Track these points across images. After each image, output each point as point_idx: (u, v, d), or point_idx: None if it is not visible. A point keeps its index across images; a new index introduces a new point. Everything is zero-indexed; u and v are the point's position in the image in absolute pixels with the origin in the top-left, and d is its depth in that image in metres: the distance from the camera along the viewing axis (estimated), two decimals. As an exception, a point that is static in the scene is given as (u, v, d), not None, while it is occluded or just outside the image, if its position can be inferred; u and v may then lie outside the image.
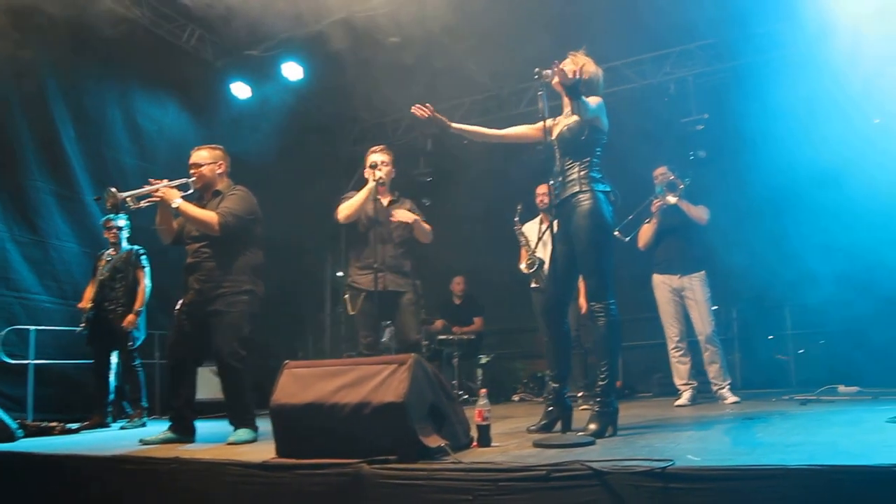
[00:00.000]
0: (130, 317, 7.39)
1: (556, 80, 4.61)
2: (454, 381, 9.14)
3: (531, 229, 7.77)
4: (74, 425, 6.87)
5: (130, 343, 7.48)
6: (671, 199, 7.02)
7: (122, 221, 7.60)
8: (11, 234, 8.20)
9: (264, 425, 5.16)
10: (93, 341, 7.49)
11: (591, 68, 4.67)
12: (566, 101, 4.78)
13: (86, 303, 7.52)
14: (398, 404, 3.42)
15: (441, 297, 10.66)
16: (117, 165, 9.34)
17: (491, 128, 5.18)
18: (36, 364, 7.88)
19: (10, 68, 8.12)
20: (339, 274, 13.23)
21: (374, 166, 5.86)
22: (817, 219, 8.68)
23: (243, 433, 5.01)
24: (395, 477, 3.23)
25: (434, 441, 3.51)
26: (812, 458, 2.78)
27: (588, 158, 4.60)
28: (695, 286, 6.96)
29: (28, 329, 7.95)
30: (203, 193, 5.40)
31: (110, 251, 7.67)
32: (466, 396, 9.04)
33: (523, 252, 7.75)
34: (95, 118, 9.22)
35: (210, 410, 6.94)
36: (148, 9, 9.40)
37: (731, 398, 6.66)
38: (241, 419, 5.15)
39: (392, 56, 8.93)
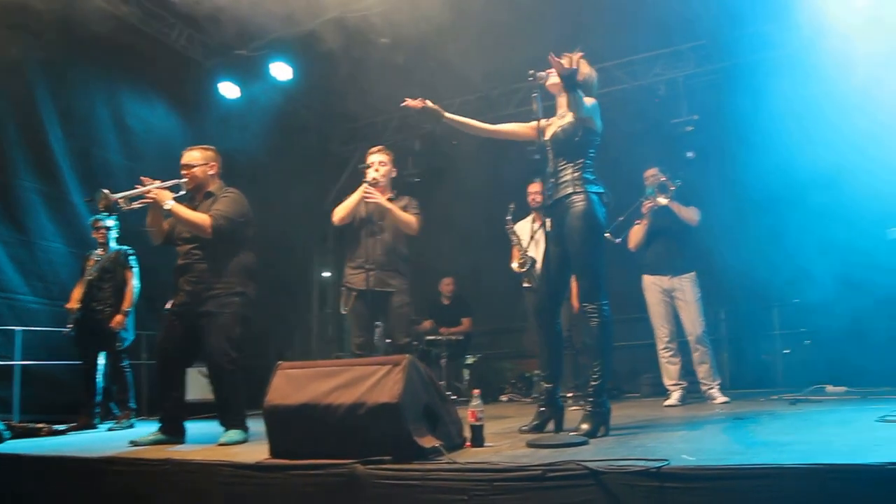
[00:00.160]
0: (118, 317, 7.36)
1: (549, 81, 4.66)
2: (442, 382, 9.13)
3: (523, 228, 7.77)
4: (62, 426, 6.82)
5: (119, 344, 7.44)
6: (662, 201, 7.05)
7: (110, 222, 7.56)
8: (-2, 233, 8.15)
9: (254, 426, 5.18)
10: (80, 342, 7.43)
11: (585, 69, 4.68)
12: (560, 102, 4.81)
13: (73, 303, 7.47)
14: (393, 405, 3.42)
15: (430, 298, 10.67)
16: (105, 165, 9.29)
17: None
18: (22, 365, 7.82)
19: (-3, 66, 8.08)
20: (326, 274, 13.22)
21: (368, 167, 5.85)
22: (806, 220, 8.73)
23: (234, 434, 5.00)
24: (390, 477, 3.23)
25: (428, 441, 3.51)
26: (805, 457, 2.78)
27: (581, 160, 4.61)
28: (685, 287, 6.98)
29: (14, 330, 7.90)
30: (194, 194, 5.38)
31: (98, 251, 7.62)
32: (455, 397, 9.04)
33: (515, 251, 7.75)
34: (83, 117, 9.17)
35: (199, 411, 6.90)
36: (137, 7, 9.35)
37: (721, 398, 6.68)
38: (232, 420, 5.13)
39: (381, 56, 8.94)
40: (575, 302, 6.72)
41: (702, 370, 6.91)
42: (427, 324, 10.17)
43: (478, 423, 4.02)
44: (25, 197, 8.42)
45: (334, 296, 13.14)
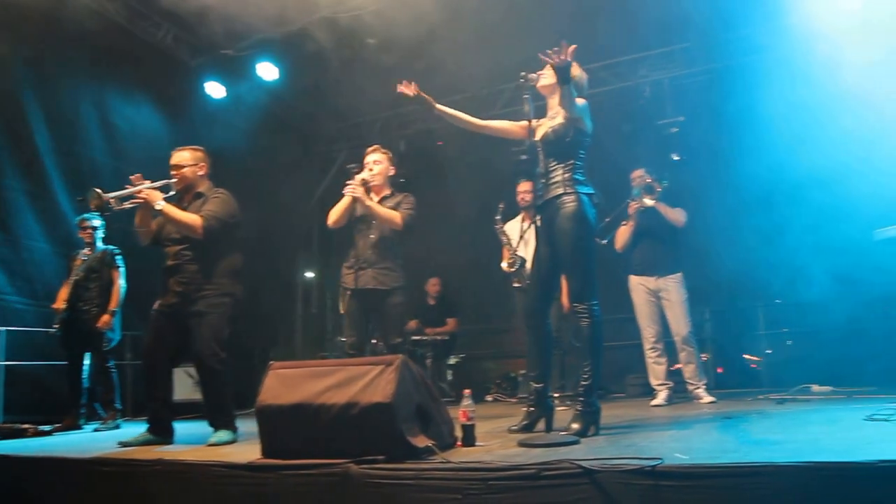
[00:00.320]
0: (105, 317, 7.34)
1: (540, 82, 4.68)
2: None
3: (513, 228, 7.75)
4: (47, 427, 6.79)
5: (105, 344, 7.41)
6: (648, 202, 7.08)
7: (97, 221, 7.53)
8: (-18, 234, 8.08)
9: (242, 426, 5.18)
10: (66, 342, 7.39)
11: (576, 70, 4.69)
12: (550, 103, 4.83)
13: (59, 303, 7.42)
14: (386, 405, 3.43)
15: (415, 298, 10.67)
16: (90, 164, 9.23)
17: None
18: (6, 365, 7.77)
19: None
20: (310, 274, 13.20)
21: (355, 168, 5.83)
22: (791, 221, 8.79)
23: (224, 434, 5.00)
24: (384, 477, 3.24)
25: (421, 441, 3.52)
26: (797, 455, 2.82)
27: (572, 161, 4.63)
28: (672, 287, 7.02)
29: (-2, 330, 7.86)
30: (183, 195, 5.37)
31: (85, 251, 7.58)
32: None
33: (505, 251, 7.74)
34: (69, 116, 9.11)
35: (184, 411, 6.89)
36: (123, 6, 9.31)
37: (707, 398, 6.72)
38: (221, 420, 5.13)
39: (368, 57, 8.95)
40: (565, 301, 6.74)
41: (688, 370, 6.95)
42: (412, 324, 10.16)
43: (469, 423, 4.03)
44: (10, 197, 8.36)
45: (318, 296, 13.15)
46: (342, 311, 5.88)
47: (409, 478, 3.19)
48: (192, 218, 5.11)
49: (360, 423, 3.47)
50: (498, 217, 7.87)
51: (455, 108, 5.17)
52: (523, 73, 4.52)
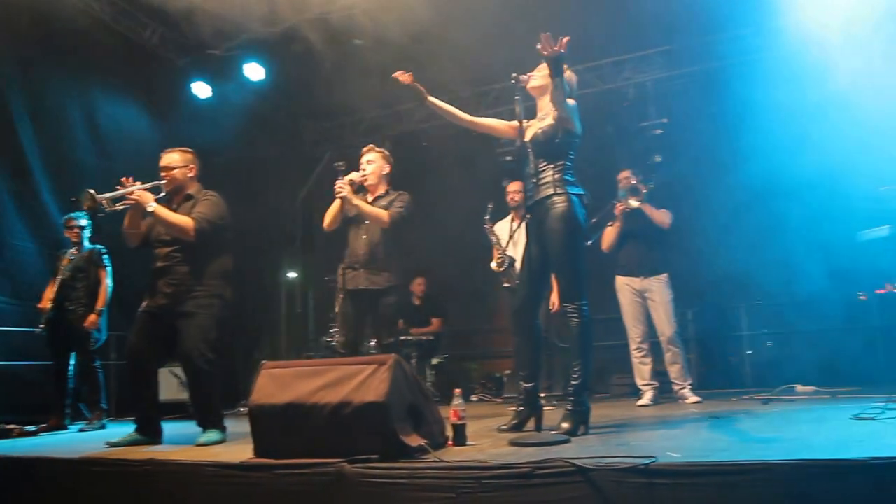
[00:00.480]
0: (92, 317, 7.30)
1: (530, 84, 4.71)
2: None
3: (503, 228, 7.74)
4: (32, 427, 6.75)
5: (92, 344, 7.37)
6: (633, 203, 7.12)
7: (83, 220, 7.48)
8: (-34, 233, 8.02)
9: (230, 426, 5.18)
10: (53, 342, 7.33)
11: (565, 73, 4.71)
12: (540, 105, 4.86)
13: (45, 303, 7.36)
14: (380, 404, 3.44)
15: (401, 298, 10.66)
16: (76, 163, 9.14)
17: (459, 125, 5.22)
18: (-11, 365, 7.73)
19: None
20: (292, 275, 13.18)
21: (342, 166, 5.82)
22: (773, 222, 8.87)
23: (213, 434, 5.00)
24: (378, 476, 3.26)
25: (414, 440, 3.54)
26: (789, 452, 2.85)
27: (562, 161, 4.65)
28: (658, 288, 7.05)
29: (-18, 330, 7.80)
30: (172, 196, 5.36)
31: (72, 250, 7.53)
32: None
33: (494, 251, 7.74)
34: (54, 115, 9.02)
35: (170, 411, 6.87)
36: (109, 5, 9.26)
37: (693, 398, 6.76)
38: (210, 420, 5.13)
39: (354, 58, 8.94)
40: (554, 298, 6.76)
41: (674, 370, 6.98)
42: (398, 324, 10.17)
43: (460, 422, 4.05)
44: (-5, 196, 8.31)
45: (302, 296, 13.13)
46: (336, 311, 5.89)
47: (402, 477, 3.21)
48: (183, 220, 5.11)
49: (353, 423, 3.48)
50: (487, 217, 7.86)
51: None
52: (514, 75, 4.55)
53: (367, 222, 5.80)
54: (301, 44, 9.04)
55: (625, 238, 7.25)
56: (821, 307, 8.82)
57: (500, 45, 7.86)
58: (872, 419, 4.01)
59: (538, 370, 4.92)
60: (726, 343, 9.97)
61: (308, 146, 12.85)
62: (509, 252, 7.48)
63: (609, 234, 7.31)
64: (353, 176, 5.83)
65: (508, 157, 10.52)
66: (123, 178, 5.17)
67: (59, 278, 7.39)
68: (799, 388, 7.20)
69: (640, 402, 6.92)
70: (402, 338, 9.57)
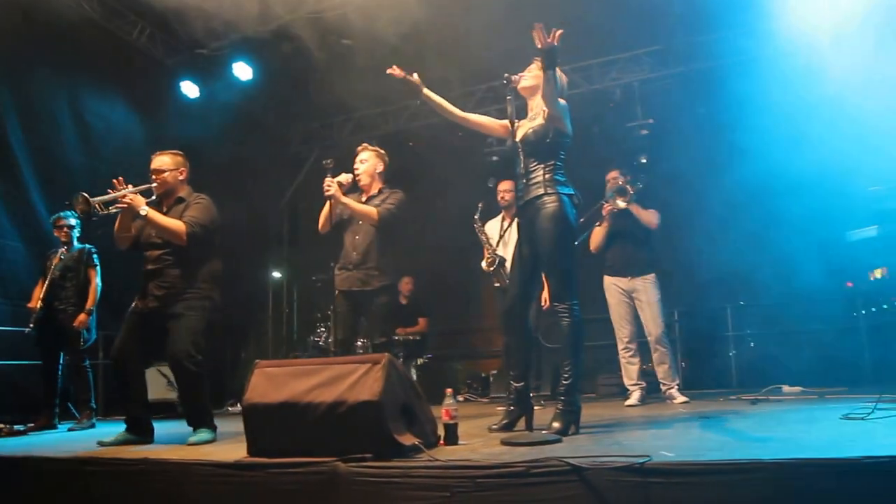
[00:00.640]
0: (82, 316, 7.28)
1: (521, 84, 4.72)
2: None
3: (493, 227, 7.74)
4: (21, 427, 6.73)
5: (81, 343, 7.35)
6: (620, 204, 7.14)
7: (73, 220, 7.46)
8: (-46, 232, 7.99)
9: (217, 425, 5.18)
10: (42, 341, 7.31)
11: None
12: (531, 105, 4.87)
13: (35, 302, 7.34)
14: (374, 403, 3.45)
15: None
16: (64, 163, 9.13)
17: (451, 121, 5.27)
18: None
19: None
20: (277, 274, 13.17)
21: (329, 163, 5.81)
22: (759, 223, 8.93)
23: (203, 433, 5.00)
24: (372, 475, 3.26)
25: (408, 439, 3.55)
26: (782, 452, 2.85)
27: (552, 161, 4.67)
28: (645, 288, 7.09)
29: (-31, 329, 7.76)
30: (162, 199, 5.36)
31: (62, 250, 7.50)
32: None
33: (485, 250, 7.73)
34: (43, 114, 9.01)
35: (158, 411, 6.83)
36: (98, 4, 9.24)
37: (680, 398, 6.79)
38: (200, 420, 5.13)
39: (342, 58, 8.95)
40: (546, 295, 6.77)
41: (661, 370, 7.02)
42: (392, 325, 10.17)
43: (452, 422, 4.06)
44: (-17, 195, 8.27)
45: (287, 296, 13.13)
46: (320, 312, 5.89)
47: (396, 476, 3.21)
48: (175, 224, 5.11)
49: (347, 422, 3.49)
50: (476, 216, 7.85)
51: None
52: (506, 75, 4.56)
53: (360, 223, 5.82)
54: (289, 43, 9.05)
55: (612, 238, 7.29)
56: (807, 308, 8.89)
57: (486, 45, 7.90)
58: (862, 419, 4.05)
59: (529, 370, 4.93)
60: (713, 344, 10.02)
61: (295, 145, 12.86)
62: (499, 251, 7.47)
63: (597, 235, 7.34)
64: (342, 178, 5.84)
65: (495, 158, 10.55)
66: (115, 181, 5.15)
67: (48, 278, 7.37)
68: (785, 388, 7.25)
69: (628, 402, 6.95)
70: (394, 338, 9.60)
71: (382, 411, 3.44)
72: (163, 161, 5.37)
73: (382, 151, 6.16)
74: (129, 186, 5.15)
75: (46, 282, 7.35)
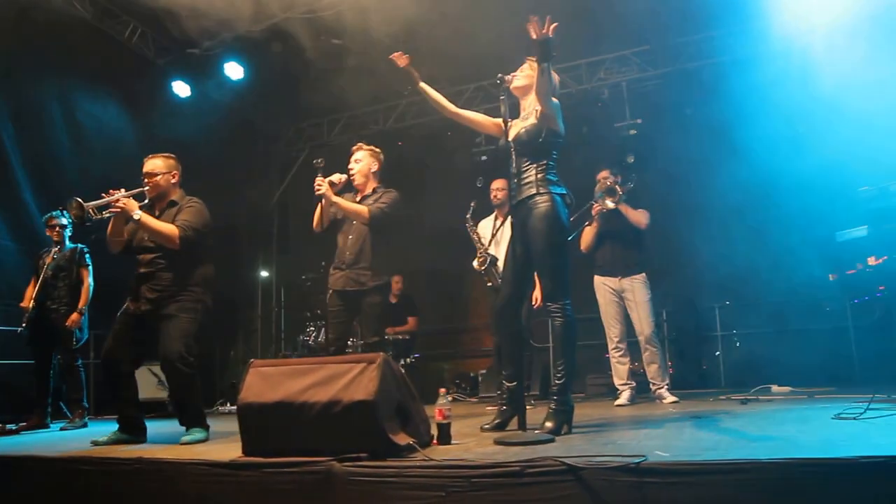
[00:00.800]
0: (74, 316, 7.28)
1: (514, 84, 4.74)
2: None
3: (486, 226, 7.71)
4: (13, 426, 6.72)
5: (74, 343, 7.34)
6: (609, 204, 7.16)
7: (65, 220, 7.45)
8: (-55, 232, 7.96)
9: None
10: (34, 341, 7.31)
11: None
12: (523, 104, 4.88)
13: (27, 302, 7.35)
14: (369, 402, 3.46)
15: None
16: (56, 162, 9.12)
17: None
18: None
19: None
20: (264, 274, 13.16)
21: (320, 162, 5.81)
22: (746, 223, 8.97)
23: (196, 433, 5.00)
24: (367, 475, 3.26)
25: (402, 439, 3.56)
26: (777, 451, 2.86)
27: (545, 161, 4.67)
28: (635, 287, 7.12)
29: (-41, 329, 7.73)
30: (155, 202, 5.35)
31: (54, 249, 7.50)
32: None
33: (477, 250, 7.71)
34: (34, 114, 9.00)
35: (149, 410, 6.83)
36: (90, 4, 9.23)
37: (670, 398, 6.82)
38: (193, 419, 5.14)
39: (332, 58, 8.96)
40: (537, 294, 6.79)
41: (651, 370, 7.04)
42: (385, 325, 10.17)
43: (445, 421, 4.08)
44: (-26, 195, 8.25)
45: (276, 295, 13.13)
46: (311, 311, 5.89)
47: (391, 475, 3.21)
48: (168, 228, 5.11)
49: (342, 421, 3.49)
50: (468, 215, 7.83)
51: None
52: (500, 75, 4.58)
53: (353, 223, 5.82)
54: (280, 43, 9.04)
55: (602, 238, 7.32)
56: (797, 308, 8.94)
57: (475, 46, 7.91)
58: (854, 419, 4.07)
59: (522, 369, 4.94)
60: (701, 344, 10.06)
61: (285, 145, 12.85)
62: (491, 250, 7.45)
63: (587, 235, 7.36)
64: (334, 177, 5.84)
65: (483, 157, 10.56)
66: (110, 190, 5.12)
67: (40, 277, 7.37)
68: (774, 388, 7.29)
69: (618, 402, 6.97)
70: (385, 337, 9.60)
71: (377, 411, 3.45)
72: (155, 164, 5.35)
73: (377, 150, 6.16)
74: (122, 190, 5.14)
75: (39, 281, 7.36)
